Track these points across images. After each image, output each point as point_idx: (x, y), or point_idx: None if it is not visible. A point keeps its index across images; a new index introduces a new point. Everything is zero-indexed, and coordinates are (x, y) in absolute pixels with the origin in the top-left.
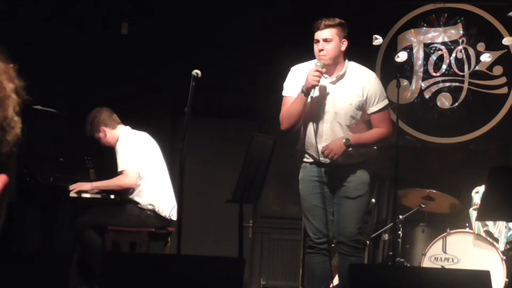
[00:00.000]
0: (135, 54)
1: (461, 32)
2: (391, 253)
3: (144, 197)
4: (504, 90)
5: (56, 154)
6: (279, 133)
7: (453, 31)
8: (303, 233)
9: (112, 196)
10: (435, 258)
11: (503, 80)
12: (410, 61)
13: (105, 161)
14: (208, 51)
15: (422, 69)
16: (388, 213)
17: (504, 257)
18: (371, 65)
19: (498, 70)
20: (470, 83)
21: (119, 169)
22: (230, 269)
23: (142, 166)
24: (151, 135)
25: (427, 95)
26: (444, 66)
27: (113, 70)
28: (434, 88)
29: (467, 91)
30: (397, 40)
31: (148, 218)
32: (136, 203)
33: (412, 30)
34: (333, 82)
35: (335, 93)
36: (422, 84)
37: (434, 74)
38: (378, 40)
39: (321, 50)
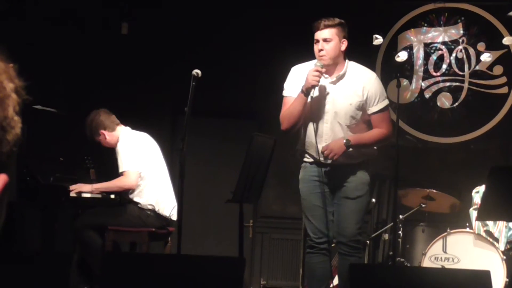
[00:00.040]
0: (135, 54)
1: (462, 32)
2: (391, 253)
3: (144, 197)
4: (504, 90)
5: (56, 154)
6: (279, 133)
7: (453, 31)
8: (303, 233)
9: (112, 196)
10: (435, 258)
11: (503, 80)
12: (410, 61)
13: (105, 161)
14: (208, 51)
15: (422, 68)
16: (388, 213)
17: (504, 257)
18: (371, 65)
19: (498, 69)
20: (470, 83)
21: (120, 170)
22: (230, 269)
23: (143, 167)
24: (151, 135)
25: (427, 94)
26: (444, 66)
27: (113, 70)
28: (434, 88)
29: (467, 91)
30: (397, 40)
31: (148, 218)
32: (136, 203)
33: (412, 29)
34: (333, 82)
35: (335, 93)
36: (423, 84)
37: (434, 73)
38: (378, 40)
39: (321, 50)
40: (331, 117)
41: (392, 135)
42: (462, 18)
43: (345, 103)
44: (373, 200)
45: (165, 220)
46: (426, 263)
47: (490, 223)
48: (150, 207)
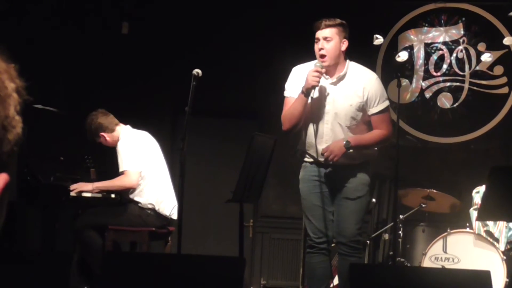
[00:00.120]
0: (136, 54)
1: (462, 32)
2: (391, 253)
3: (144, 197)
4: (505, 90)
5: (57, 153)
6: (279, 132)
7: (454, 31)
8: (304, 232)
9: (113, 196)
10: (435, 258)
11: (503, 80)
12: (411, 60)
13: (105, 160)
14: (208, 51)
15: (422, 68)
16: (389, 213)
17: (505, 257)
18: (371, 65)
19: (498, 70)
20: (470, 83)
21: (121, 170)
22: (231, 269)
23: (143, 166)
24: (152, 135)
25: (427, 94)
26: (445, 66)
27: (113, 70)
28: (435, 88)
29: (467, 91)
30: (397, 39)
31: (149, 217)
32: (137, 202)
33: (412, 30)
34: (334, 83)
35: (336, 93)
36: (423, 84)
37: (435, 73)
38: (379, 39)
39: (321, 49)
40: (332, 118)
41: (392, 136)
42: (463, 18)
43: (346, 104)
44: (373, 200)
45: (166, 219)
46: (426, 263)
47: (490, 223)
48: (150, 206)
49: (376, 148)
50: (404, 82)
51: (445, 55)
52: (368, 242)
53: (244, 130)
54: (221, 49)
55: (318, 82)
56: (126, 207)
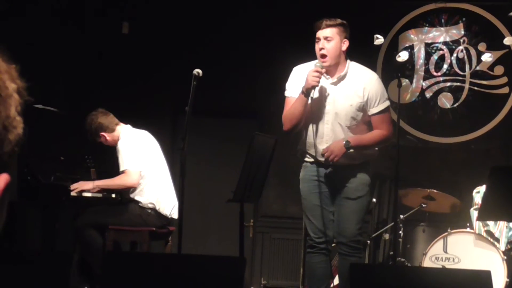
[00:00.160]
0: (136, 53)
1: (462, 32)
2: (392, 252)
3: (145, 196)
4: (505, 90)
5: (57, 153)
6: (279, 132)
7: (454, 31)
8: (304, 232)
9: (113, 195)
10: (436, 258)
11: (504, 80)
12: (411, 60)
13: (106, 160)
14: (208, 51)
15: (423, 68)
16: (389, 212)
17: (505, 257)
18: (372, 65)
19: (499, 70)
20: (471, 83)
21: (121, 169)
22: (231, 269)
23: (143, 165)
24: (152, 135)
25: (428, 94)
26: (445, 66)
27: (113, 70)
28: (435, 88)
29: (468, 91)
30: (398, 39)
31: (149, 217)
32: (137, 202)
33: (413, 30)
34: (334, 83)
35: (336, 94)
36: (423, 84)
37: (435, 73)
38: (379, 39)
39: (321, 49)
40: (332, 118)
41: (392, 136)
42: (463, 18)
43: (346, 104)
44: (374, 200)
45: (166, 219)
46: (427, 263)
47: (490, 223)
48: (150, 205)
49: (376, 148)
50: (405, 82)
51: (446, 55)
52: (369, 242)
53: (244, 130)
54: (221, 49)
55: (318, 82)
56: (127, 207)
